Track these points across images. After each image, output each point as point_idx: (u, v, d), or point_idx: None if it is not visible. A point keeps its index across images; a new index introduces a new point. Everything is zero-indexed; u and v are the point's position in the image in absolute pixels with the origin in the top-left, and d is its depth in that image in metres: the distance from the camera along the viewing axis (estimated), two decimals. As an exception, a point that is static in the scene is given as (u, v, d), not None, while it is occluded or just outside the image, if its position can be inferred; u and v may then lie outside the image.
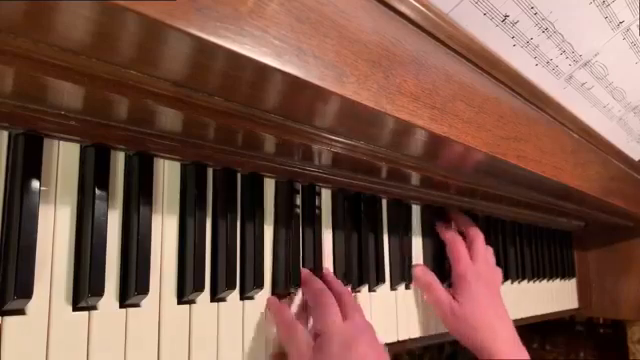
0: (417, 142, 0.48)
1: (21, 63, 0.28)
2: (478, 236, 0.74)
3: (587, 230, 1.21)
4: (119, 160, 0.42)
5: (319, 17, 0.33)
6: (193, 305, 0.45)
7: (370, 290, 0.65)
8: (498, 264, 0.91)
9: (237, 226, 0.50)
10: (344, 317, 0.50)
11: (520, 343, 0.65)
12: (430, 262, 0.75)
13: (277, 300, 0.52)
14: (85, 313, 0.38)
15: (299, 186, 0.57)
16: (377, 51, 0.37)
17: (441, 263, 0.78)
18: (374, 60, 0.37)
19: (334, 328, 0.48)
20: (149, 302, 0.42)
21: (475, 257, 0.71)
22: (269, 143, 0.45)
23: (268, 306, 0.51)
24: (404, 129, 0.43)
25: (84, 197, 0.40)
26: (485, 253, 0.73)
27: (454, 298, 0.68)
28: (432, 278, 0.70)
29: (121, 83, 0.32)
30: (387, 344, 0.64)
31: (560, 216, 1.03)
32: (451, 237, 0.73)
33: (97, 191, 0.39)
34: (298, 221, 0.56)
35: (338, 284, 0.56)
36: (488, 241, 0.89)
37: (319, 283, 0.54)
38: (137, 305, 0.41)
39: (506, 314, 0.68)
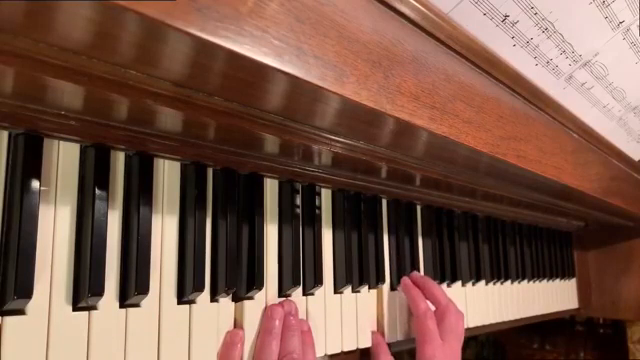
0: (417, 142, 0.48)
1: (21, 63, 0.28)
2: (449, 309, 0.65)
3: (587, 230, 1.22)
4: (119, 160, 0.42)
5: (319, 17, 0.33)
6: (193, 305, 0.45)
7: (370, 290, 0.65)
8: (498, 264, 0.92)
9: (237, 226, 0.50)
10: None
11: None
12: (430, 262, 0.75)
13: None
14: (85, 313, 0.38)
15: (299, 186, 0.57)
16: (377, 51, 0.37)
17: (441, 263, 0.78)
18: (374, 60, 0.37)
19: None
20: (149, 302, 0.42)
21: (445, 335, 0.63)
22: (269, 143, 0.45)
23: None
24: (404, 129, 0.43)
25: (84, 197, 0.40)
26: (457, 328, 0.65)
27: None
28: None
29: (121, 83, 0.32)
30: (388, 343, 0.64)
31: (560, 216, 1.03)
32: (423, 313, 0.63)
33: (97, 191, 0.39)
34: (298, 221, 0.56)
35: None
36: (488, 241, 0.90)
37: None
38: (137, 305, 0.41)
39: None
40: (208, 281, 0.46)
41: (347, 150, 0.48)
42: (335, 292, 0.60)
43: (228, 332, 0.48)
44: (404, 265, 0.71)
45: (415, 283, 0.68)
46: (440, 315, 0.64)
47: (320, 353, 0.56)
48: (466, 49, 0.47)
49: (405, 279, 0.68)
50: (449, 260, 0.79)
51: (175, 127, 0.40)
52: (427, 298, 0.67)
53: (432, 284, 0.68)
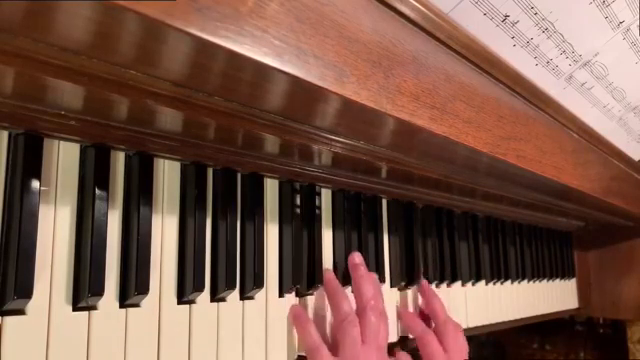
0: (417, 142, 0.48)
1: (21, 63, 0.28)
2: (447, 325, 0.67)
3: (587, 230, 1.21)
4: (119, 160, 0.42)
5: (319, 17, 0.33)
6: (193, 305, 0.45)
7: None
8: (498, 264, 0.92)
9: (237, 226, 0.50)
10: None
11: None
12: (430, 263, 0.75)
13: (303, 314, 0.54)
14: (85, 313, 0.38)
15: (299, 186, 0.57)
16: (377, 51, 0.37)
17: (441, 263, 0.78)
18: (374, 60, 0.37)
19: None
20: (149, 302, 0.42)
21: (449, 352, 0.64)
22: (269, 143, 0.45)
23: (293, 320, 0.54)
24: (404, 129, 0.43)
25: (84, 197, 0.40)
26: (456, 342, 0.66)
27: None
28: None
29: (121, 83, 0.32)
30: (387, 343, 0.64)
31: (560, 216, 1.03)
32: (422, 332, 0.65)
33: (97, 191, 0.39)
34: (298, 221, 0.56)
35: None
36: (488, 241, 0.90)
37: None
38: (137, 305, 0.41)
39: None
40: (208, 281, 0.46)
41: (347, 150, 0.48)
42: (335, 292, 0.59)
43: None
44: (404, 265, 0.71)
45: (421, 290, 0.71)
46: (439, 333, 0.65)
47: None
48: (466, 49, 0.47)
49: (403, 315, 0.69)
50: (449, 260, 0.79)
51: (175, 127, 0.40)
52: (427, 309, 0.70)
53: (433, 295, 0.70)
